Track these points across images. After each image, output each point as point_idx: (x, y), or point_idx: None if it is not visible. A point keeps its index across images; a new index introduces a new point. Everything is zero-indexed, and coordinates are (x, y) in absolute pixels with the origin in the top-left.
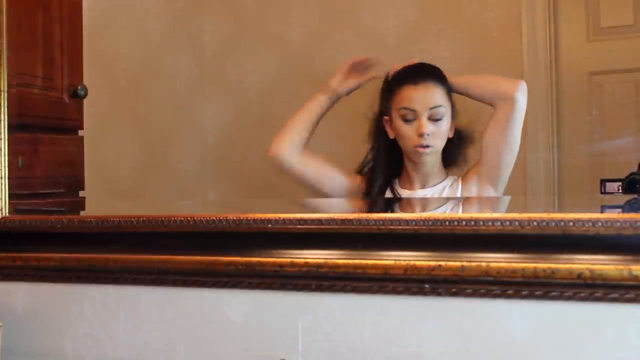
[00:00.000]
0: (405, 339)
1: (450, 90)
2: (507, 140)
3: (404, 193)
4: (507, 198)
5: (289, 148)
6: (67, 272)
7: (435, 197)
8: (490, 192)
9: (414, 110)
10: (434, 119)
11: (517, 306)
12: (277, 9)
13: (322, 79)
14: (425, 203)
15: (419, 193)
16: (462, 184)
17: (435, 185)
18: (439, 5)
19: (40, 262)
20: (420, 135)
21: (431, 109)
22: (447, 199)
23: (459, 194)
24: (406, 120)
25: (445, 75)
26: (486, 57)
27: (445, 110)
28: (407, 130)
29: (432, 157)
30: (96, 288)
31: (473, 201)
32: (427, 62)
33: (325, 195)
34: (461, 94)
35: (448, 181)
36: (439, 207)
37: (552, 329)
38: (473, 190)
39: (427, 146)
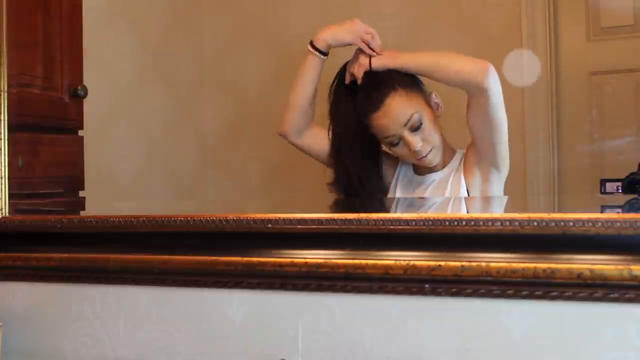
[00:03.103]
0: (405, 339)
1: (408, 84)
2: (492, 124)
3: (417, 179)
4: (506, 197)
5: (294, 126)
6: (67, 272)
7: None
8: (493, 173)
9: (394, 135)
10: (414, 129)
11: (517, 306)
12: (277, 9)
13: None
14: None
15: (430, 178)
16: (463, 171)
17: (442, 169)
18: (439, 5)
19: (40, 262)
20: (414, 152)
21: (406, 124)
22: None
23: (462, 182)
24: (394, 145)
25: (394, 71)
26: (486, 57)
27: (419, 114)
28: (401, 151)
29: (436, 154)
30: (96, 288)
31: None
32: (366, 77)
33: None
34: (424, 76)
35: (456, 160)
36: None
37: (552, 329)
38: (476, 175)
39: (426, 154)
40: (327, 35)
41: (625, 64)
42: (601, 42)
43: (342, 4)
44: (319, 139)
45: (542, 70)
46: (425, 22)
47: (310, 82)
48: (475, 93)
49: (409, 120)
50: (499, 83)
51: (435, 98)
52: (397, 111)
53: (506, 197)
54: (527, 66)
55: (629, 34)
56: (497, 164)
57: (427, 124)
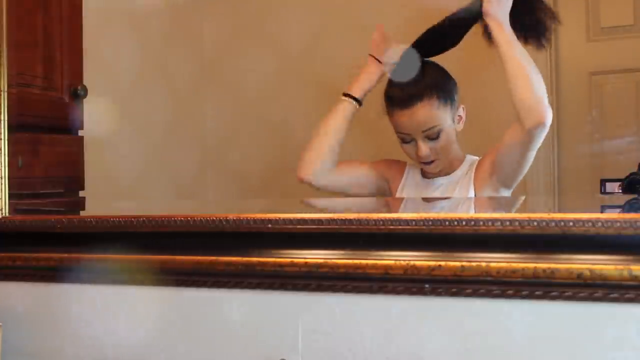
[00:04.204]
0: (405, 339)
1: (445, 92)
2: (521, 163)
3: (424, 182)
4: (507, 198)
5: (318, 172)
6: (67, 272)
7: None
8: (503, 190)
9: (408, 134)
10: (430, 139)
11: (517, 306)
12: (277, 9)
13: (322, 79)
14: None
15: (437, 182)
16: (474, 181)
17: (450, 173)
18: (439, 5)
19: (40, 262)
20: (420, 158)
21: (424, 131)
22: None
23: (471, 191)
24: (405, 142)
25: (442, 75)
26: (486, 56)
27: (441, 128)
28: (408, 150)
29: (439, 165)
30: (96, 288)
31: (483, 200)
32: (420, 70)
33: (351, 195)
34: (506, 68)
35: (464, 166)
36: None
37: (552, 329)
38: (486, 189)
39: (430, 162)
40: None
41: (625, 64)
42: (601, 42)
43: (343, 3)
44: (344, 177)
45: (542, 70)
46: (426, 22)
47: (342, 128)
48: (519, 126)
49: (428, 129)
50: (544, 135)
51: (461, 111)
52: (421, 116)
53: (506, 197)
54: None
55: (629, 34)
56: (511, 186)
57: (444, 139)
